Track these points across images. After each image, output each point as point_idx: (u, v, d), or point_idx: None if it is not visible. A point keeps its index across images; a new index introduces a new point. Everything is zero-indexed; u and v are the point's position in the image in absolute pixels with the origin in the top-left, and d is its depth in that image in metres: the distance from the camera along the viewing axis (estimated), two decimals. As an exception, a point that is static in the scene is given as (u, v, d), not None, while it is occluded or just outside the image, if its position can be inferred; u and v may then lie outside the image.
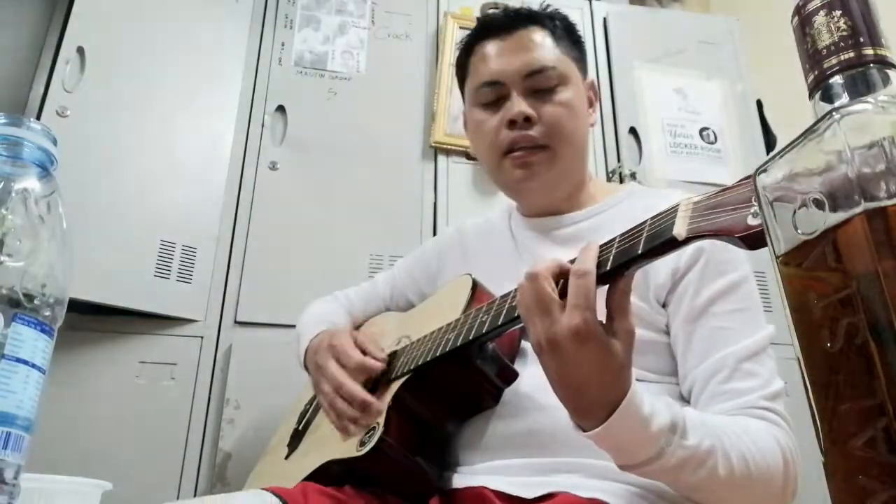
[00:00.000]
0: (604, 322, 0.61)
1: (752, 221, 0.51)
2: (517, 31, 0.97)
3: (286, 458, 1.06)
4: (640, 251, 0.58)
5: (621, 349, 0.61)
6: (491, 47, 0.98)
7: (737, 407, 0.74)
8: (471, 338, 0.77)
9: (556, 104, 0.94)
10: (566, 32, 1.00)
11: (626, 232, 0.62)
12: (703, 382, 0.78)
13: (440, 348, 0.82)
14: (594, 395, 0.61)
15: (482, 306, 0.80)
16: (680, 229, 0.56)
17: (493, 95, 0.96)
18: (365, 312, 1.18)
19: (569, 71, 0.97)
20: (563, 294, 0.61)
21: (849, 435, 0.31)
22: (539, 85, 0.94)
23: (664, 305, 0.84)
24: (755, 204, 0.50)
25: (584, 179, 1.01)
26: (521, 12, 0.99)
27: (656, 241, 0.57)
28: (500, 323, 0.73)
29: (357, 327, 1.16)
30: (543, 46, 0.96)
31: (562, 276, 0.63)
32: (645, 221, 0.61)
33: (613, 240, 0.63)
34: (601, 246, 0.63)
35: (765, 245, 0.50)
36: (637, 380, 0.79)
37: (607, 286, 0.62)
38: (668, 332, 0.84)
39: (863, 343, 0.31)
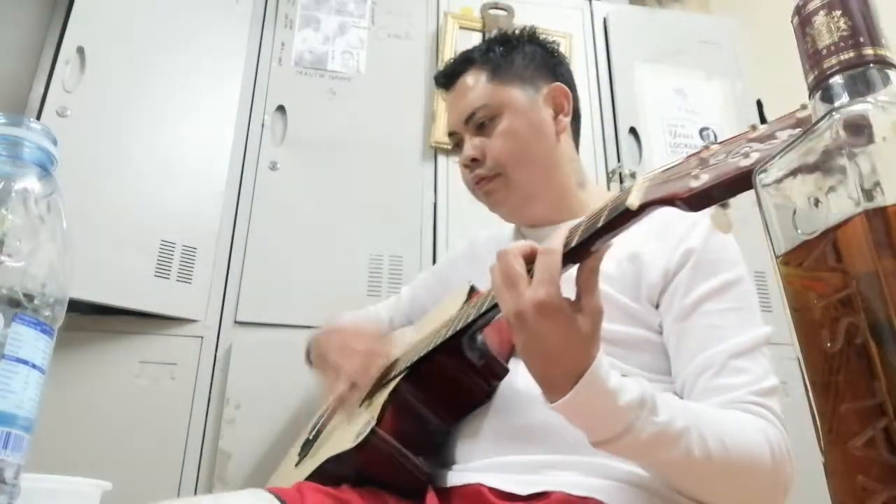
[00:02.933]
0: (573, 299, 0.65)
1: (692, 184, 0.55)
2: (457, 80, 1.06)
3: (296, 465, 1.08)
4: (600, 224, 0.62)
5: (587, 324, 0.64)
6: (446, 99, 1.10)
7: (726, 402, 0.75)
8: (459, 328, 0.80)
9: (497, 136, 1.00)
10: (508, 57, 1.04)
11: (593, 212, 0.65)
12: (694, 379, 0.78)
13: (433, 343, 0.84)
14: (560, 367, 0.64)
15: (472, 300, 0.84)
16: (633, 199, 0.59)
17: (455, 141, 1.07)
18: (391, 325, 1.22)
19: (505, 100, 1.01)
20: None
21: (849, 435, 0.31)
22: (475, 124, 1.02)
23: (657, 306, 0.85)
24: (697, 169, 0.56)
25: (565, 189, 1.02)
26: (458, 60, 1.08)
27: (614, 213, 0.61)
28: (483, 310, 0.76)
29: None
30: (475, 88, 1.03)
31: (533, 258, 0.66)
32: (608, 200, 0.64)
33: (581, 221, 0.66)
34: (570, 229, 0.67)
35: (706, 206, 0.55)
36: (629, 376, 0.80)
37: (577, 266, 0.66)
38: (660, 331, 0.85)
39: (863, 343, 0.31)
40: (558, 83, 1.04)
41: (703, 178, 0.54)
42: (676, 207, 0.56)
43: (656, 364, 0.84)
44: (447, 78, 1.07)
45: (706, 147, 0.57)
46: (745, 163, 0.52)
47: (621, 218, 0.60)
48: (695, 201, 0.55)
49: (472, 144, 1.01)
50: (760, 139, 0.52)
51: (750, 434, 0.70)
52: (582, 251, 0.64)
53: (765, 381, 0.76)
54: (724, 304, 0.81)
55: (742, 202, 0.58)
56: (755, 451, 0.69)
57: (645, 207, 0.59)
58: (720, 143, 0.57)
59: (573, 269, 0.66)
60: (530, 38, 1.09)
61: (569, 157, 1.04)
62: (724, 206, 0.55)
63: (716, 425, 0.68)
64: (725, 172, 0.53)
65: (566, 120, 1.04)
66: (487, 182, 1.01)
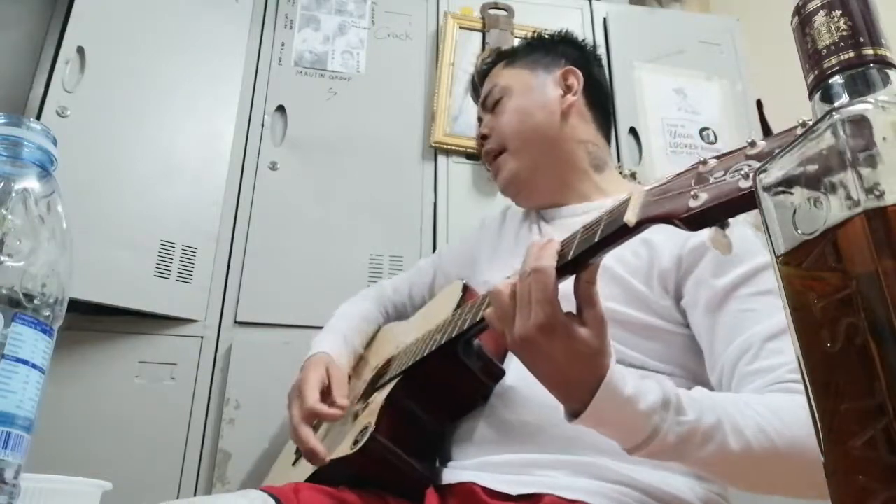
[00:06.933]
0: (574, 313, 0.64)
1: (692, 204, 0.53)
2: (489, 74, 1.17)
3: (293, 464, 1.07)
4: (596, 240, 0.61)
5: (591, 336, 0.63)
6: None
7: (765, 385, 0.73)
8: (454, 335, 0.80)
9: (500, 114, 1.08)
10: (525, 49, 1.16)
11: (588, 224, 0.64)
12: (732, 366, 0.77)
13: (428, 348, 0.84)
14: (574, 383, 0.63)
15: (467, 305, 0.83)
16: (630, 216, 0.58)
17: (480, 126, 1.16)
18: (411, 300, 1.23)
19: (513, 81, 1.10)
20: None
21: (849, 435, 0.31)
22: (490, 105, 1.11)
23: (675, 298, 0.84)
24: (696, 187, 0.54)
25: (572, 167, 1.05)
26: (493, 56, 1.22)
27: (611, 229, 0.60)
28: (479, 320, 0.76)
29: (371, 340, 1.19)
30: (493, 76, 1.14)
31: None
32: (605, 212, 0.63)
33: (577, 232, 0.65)
34: (564, 241, 0.65)
35: (705, 226, 0.53)
36: (641, 367, 0.80)
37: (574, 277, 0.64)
38: (673, 321, 0.85)
39: (863, 343, 0.31)
40: (570, 66, 1.10)
41: (702, 198, 0.52)
42: (674, 226, 0.55)
43: (667, 354, 0.83)
44: (480, 76, 1.21)
45: (703, 162, 0.56)
46: (745, 184, 0.49)
47: (618, 233, 0.59)
48: (693, 221, 0.53)
49: (485, 122, 1.11)
50: (759, 157, 0.50)
51: (792, 416, 0.67)
52: (577, 265, 0.63)
53: None
54: (753, 288, 0.80)
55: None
56: (800, 435, 0.66)
57: (642, 224, 0.57)
58: (718, 157, 0.55)
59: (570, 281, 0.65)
60: (563, 38, 1.18)
61: (578, 138, 1.06)
62: (723, 226, 0.53)
63: (752, 415, 0.66)
64: (725, 193, 0.51)
65: (573, 99, 1.07)
66: (494, 159, 1.08)
